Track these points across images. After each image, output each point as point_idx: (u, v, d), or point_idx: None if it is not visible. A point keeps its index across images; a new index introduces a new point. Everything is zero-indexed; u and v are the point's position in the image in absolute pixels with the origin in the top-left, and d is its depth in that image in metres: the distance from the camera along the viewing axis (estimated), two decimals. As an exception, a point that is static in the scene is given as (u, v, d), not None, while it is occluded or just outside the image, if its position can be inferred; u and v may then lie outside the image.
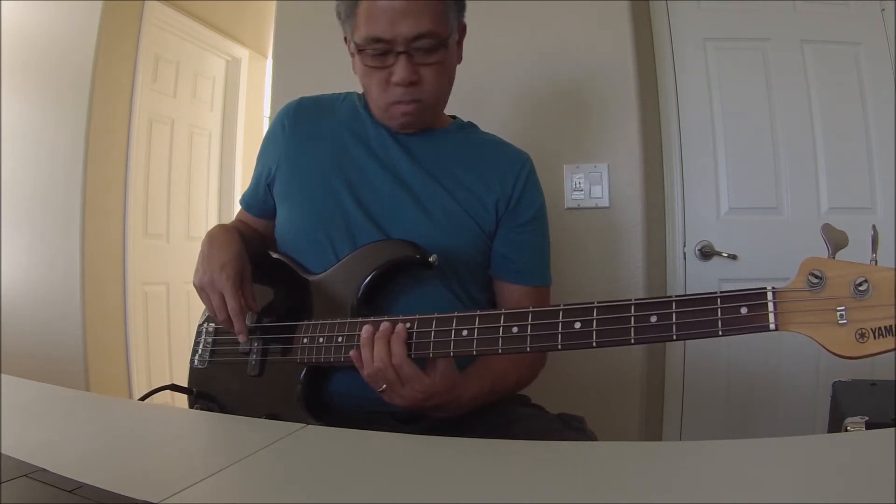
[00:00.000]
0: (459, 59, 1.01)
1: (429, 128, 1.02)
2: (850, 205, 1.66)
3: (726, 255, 1.70)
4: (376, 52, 0.90)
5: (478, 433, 0.76)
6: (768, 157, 1.71)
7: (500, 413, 0.93)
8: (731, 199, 1.73)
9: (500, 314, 0.73)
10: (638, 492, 0.52)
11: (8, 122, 2.50)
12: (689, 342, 1.73)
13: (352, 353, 0.80)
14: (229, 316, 0.90)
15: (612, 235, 1.61)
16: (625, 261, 1.59)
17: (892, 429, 0.62)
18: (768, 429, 1.69)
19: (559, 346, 0.68)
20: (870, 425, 0.99)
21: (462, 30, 0.99)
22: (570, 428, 0.90)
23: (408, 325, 0.78)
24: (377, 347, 0.77)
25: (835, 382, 1.25)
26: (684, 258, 1.74)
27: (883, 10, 1.67)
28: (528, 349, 0.70)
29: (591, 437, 0.90)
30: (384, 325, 0.78)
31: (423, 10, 0.87)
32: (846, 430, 1.00)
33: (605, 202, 1.60)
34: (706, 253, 1.72)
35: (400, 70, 0.89)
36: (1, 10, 2.53)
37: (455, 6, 0.94)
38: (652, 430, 1.70)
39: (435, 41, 0.89)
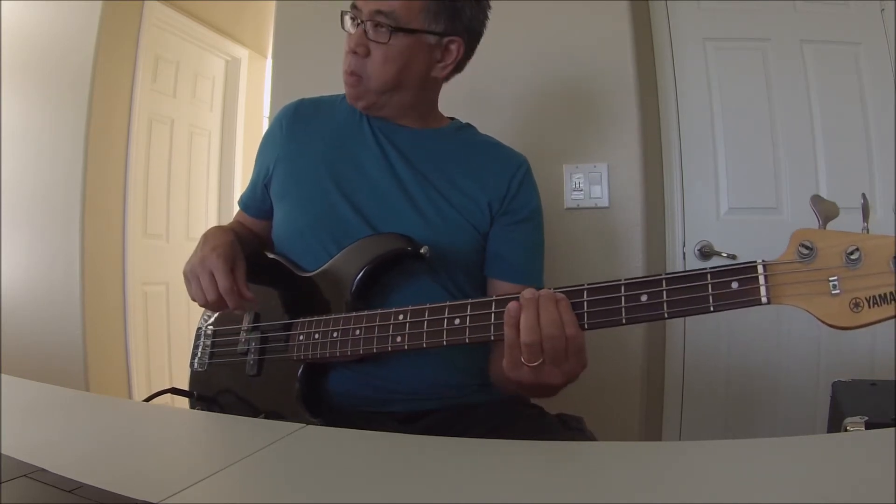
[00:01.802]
0: (440, 73, 0.98)
1: (416, 125, 1.02)
2: (849, 205, 1.65)
3: (726, 254, 1.70)
4: (352, 19, 0.94)
5: (477, 433, 0.76)
6: (768, 157, 1.71)
7: (499, 413, 0.94)
8: (731, 199, 1.73)
9: (492, 300, 0.74)
10: (638, 492, 0.52)
11: (8, 122, 2.50)
12: (688, 340, 1.73)
13: (510, 305, 0.69)
14: (219, 296, 0.87)
15: (612, 235, 1.61)
16: (624, 261, 1.59)
17: (892, 429, 0.62)
18: (768, 429, 1.69)
19: None
20: (869, 425, 0.99)
21: (453, 46, 0.97)
22: (568, 428, 0.90)
23: (401, 316, 0.78)
24: (548, 311, 0.67)
25: (835, 382, 1.25)
26: (684, 258, 1.74)
27: (883, 10, 1.67)
28: None
29: (589, 437, 0.90)
30: (545, 290, 0.69)
31: None
32: (846, 430, 1.00)
33: (604, 202, 1.60)
34: (706, 253, 1.72)
35: (352, 38, 0.94)
36: (1, 10, 2.52)
37: (436, 9, 0.92)
38: (651, 430, 1.70)
39: (391, 22, 0.90)
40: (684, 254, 1.74)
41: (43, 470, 0.53)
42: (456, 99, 1.15)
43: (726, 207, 1.73)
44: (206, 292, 0.88)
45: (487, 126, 1.12)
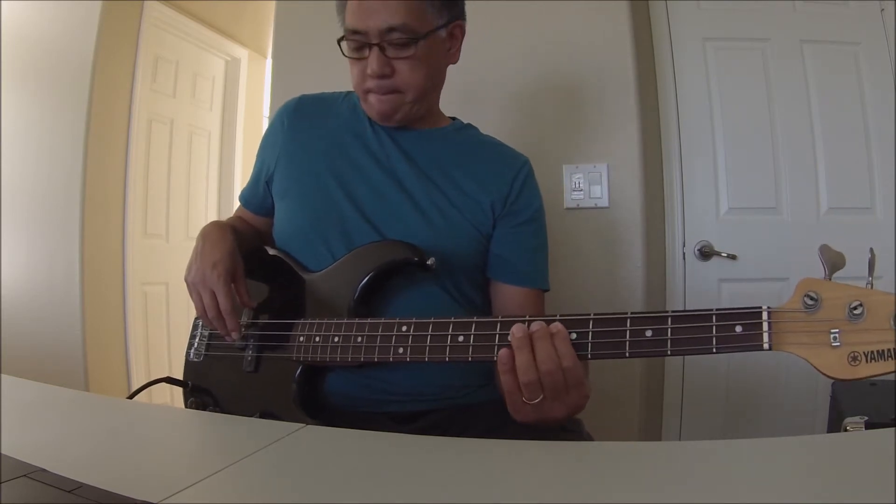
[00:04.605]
0: (452, 59, 1.01)
1: (417, 125, 1.02)
2: (849, 205, 1.66)
3: (726, 255, 1.70)
4: (354, 44, 0.93)
5: (475, 433, 0.75)
6: (768, 157, 1.71)
7: (496, 413, 0.93)
8: (731, 199, 1.73)
9: (497, 321, 0.73)
10: (637, 492, 0.52)
11: (8, 122, 2.50)
12: (688, 342, 1.72)
13: (501, 353, 0.69)
14: (219, 314, 0.89)
15: (612, 235, 1.61)
16: (624, 261, 1.59)
17: (892, 429, 0.62)
18: (768, 429, 1.69)
19: None
20: (869, 425, 0.99)
21: (457, 30, 0.99)
22: (565, 430, 0.90)
23: (404, 327, 0.78)
24: (543, 347, 0.68)
25: (834, 382, 1.25)
26: (684, 258, 1.74)
27: (882, 10, 1.67)
28: None
29: (586, 440, 0.89)
30: (539, 324, 0.69)
31: (397, 5, 0.89)
32: (846, 430, 1.00)
33: (604, 202, 1.60)
34: (705, 253, 1.72)
35: (371, 62, 0.91)
36: (1, 10, 2.52)
37: (439, 4, 0.94)
38: (651, 430, 1.70)
39: (407, 35, 0.90)
40: (684, 254, 1.74)
41: (43, 470, 0.53)
42: (455, 99, 1.15)
43: (726, 207, 1.73)
44: (207, 310, 0.90)
45: (487, 126, 1.12)
